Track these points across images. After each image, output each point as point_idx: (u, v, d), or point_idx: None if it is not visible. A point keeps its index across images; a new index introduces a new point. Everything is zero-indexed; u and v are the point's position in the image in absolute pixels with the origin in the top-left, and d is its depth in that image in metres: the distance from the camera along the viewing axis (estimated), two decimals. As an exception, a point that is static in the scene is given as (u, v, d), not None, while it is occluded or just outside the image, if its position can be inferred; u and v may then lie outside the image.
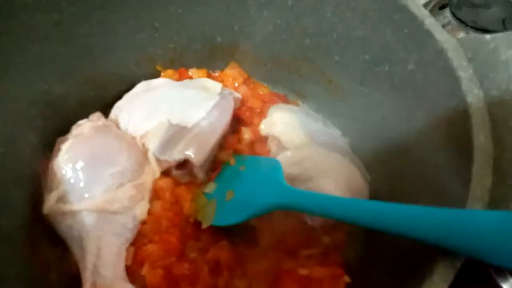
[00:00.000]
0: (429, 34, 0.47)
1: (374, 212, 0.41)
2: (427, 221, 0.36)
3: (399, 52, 0.53)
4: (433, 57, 0.47)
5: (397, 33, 0.52)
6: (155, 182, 0.61)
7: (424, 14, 0.48)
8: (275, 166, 0.57)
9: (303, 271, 0.56)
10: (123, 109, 0.68)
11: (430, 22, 0.47)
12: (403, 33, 0.51)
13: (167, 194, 0.61)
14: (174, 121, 0.63)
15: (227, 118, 0.66)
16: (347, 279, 0.56)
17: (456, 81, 0.43)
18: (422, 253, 0.40)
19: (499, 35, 0.41)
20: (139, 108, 0.67)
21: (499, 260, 0.33)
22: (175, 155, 0.60)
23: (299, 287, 0.55)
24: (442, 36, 0.46)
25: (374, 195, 0.62)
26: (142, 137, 0.64)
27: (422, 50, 0.49)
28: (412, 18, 0.49)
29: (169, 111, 0.64)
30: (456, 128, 0.43)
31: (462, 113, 0.42)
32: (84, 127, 0.61)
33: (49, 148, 0.60)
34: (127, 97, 0.70)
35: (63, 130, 0.63)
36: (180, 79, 0.75)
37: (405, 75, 0.53)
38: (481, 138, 0.39)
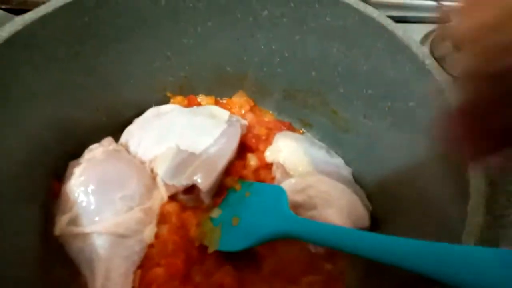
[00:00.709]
0: (429, 74, 0.50)
1: (375, 245, 0.43)
2: (425, 255, 0.38)
3: (401, 89, 0.56)
4: (432, 95, 0.50)
5: (399, 71, 0.55)
6: (162, 206, 0.63)
7: (424, 55, 0.51)
8: (280, 193, 0.59)
9: None
10: (134, 134, 0.70)
11: (430, 62, 0.50)
12: (405, 71, 0.54)
13: (174, 218, 0.63)
14: (183, 147, 0.66)
15: (234, 144, 0.68)
16: None
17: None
18: (421, 284, 0.42)
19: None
20: (149, 133, 0.69)
21: None
22: (183, 181, 0.62)
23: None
24: (441, 77, 0.49)
25: (375, 224, 0.64)
26: (151, 161, 0.67)
27: (423, 88, 0.51)
28: (413, 59, 0.52)
29: (178, 137, 0.67)
30: (455, 165, 0.45)
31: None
32: (96, 152, 0.63)
33: (61, 171, 0.63)
34: (137, 122, 0.73)
35: (75, 153, 0.65)
36: (189, 105, 0.78)
37: (406, 111, 0.55)
38: (476, 178, 0.41)
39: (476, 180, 0.41)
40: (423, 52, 0.51)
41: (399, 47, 0.54)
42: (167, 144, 0.66)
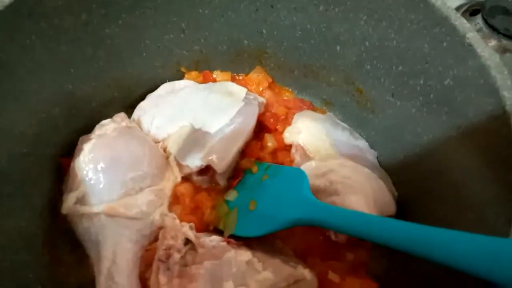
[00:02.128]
0: (470, 49, 0.45)
1: (403, 233, 0.39)
2: (464, 247, 0.34)
3: (436, 66, 0.51)
4: (474, 74, 0.45)
5: (435, 46, 0.50)
6: (175, 187, 0.60)
7: (466, 28, 0.45)
8: (301, 177, 0.55)
9: (333, 277, 0.55)
10: (146, 111, 0.67)
11: (472, 36, 0.45)
12: (442, 47, 0.49)
13: (187, 200, 0.60)
14: (197, 125, 0.62)
15: (251, 124, 0.64)
16: None
17: (498, 101, 0.41)
18: (451, 282, 0.38)
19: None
20: (163, 110, 0.66)
21: None
22: (197, 161, 0.59)
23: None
24: (485, 52, 0.43)
25: (401, 212, 0.60)
26: (164, 140, 0.63)
27: (462, 65, 0.46)
28: (453, 32, 0.47)
29: (193, 115, 0.64)
30: (498, 153, 0.41)
31: (505, 137, 0.39)
32: (107, 128, 0.60)
33: (70, 147, 0.60)
34: (151, 98, 0.70)
35: (86, 129, 0.62)
36: (204, 81, 0.74)
37: (442, 91, 0.51)
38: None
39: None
40: (463, 24, 0.46)
41: (436, 19, 0.48)
42: (181, 123, 0.63)
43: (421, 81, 0.53)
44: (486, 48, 0.44)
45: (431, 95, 0.52)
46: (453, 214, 0.48)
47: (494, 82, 0.42)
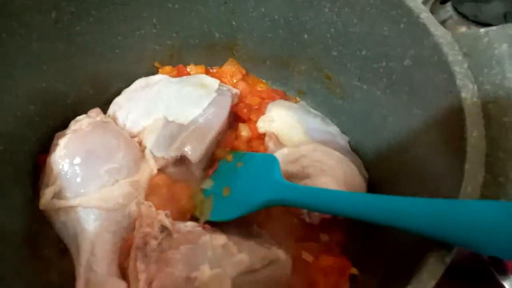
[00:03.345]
0: (424, 29, 0.47)
1: (370, 204, 0.41)
2: (421, 212, 0.37)
3: (396, 48, 0.52)
4: (429, 52, 0.46)
5: (394, 29, 0.52)
6: (151, 179, 0.61)
7: (420, 9, 0.47)
8: (272, 161, 0.56)
9: (307, 257, 0.57)
10: (121, 106, 0.68)
11: (425, 16, 0.47)
12: (399, 28, 0.51)
13: (164, 191, 0.61)
14: (171, 118, 0.63)
15: (224, 114, 0.66)
16: (354, 271, 0.56)
17: (451, 76, 0.43)
18: (416, 249, 0.40)
19: (493, 29, 0.41)
20: (137, 105, 0.67)
21: (492, 250, 0.33)
22: (172, 152, 0.60)
23: (302, 274, 0.55)
24: (438, 31, 0.45)
25: (372, 192, 0.61)
26: (139, 133, 0.64)
27: (418, 45, 0.48)
28: (409, 13, 0.49)
29: (167, 108, 0.65)
30: (451, 125, 0.42)
31: (457, 109, 0.41)
32: (82, 123, 0.61)
33: (47, 145, 0.60)
34: (125, 93, 0.70)
35: (62, 126, 0.63)
36: (178, 75, 0.75)
37: (402, 71, 0.52)
38: (474, 134, 0.38)
39: (474, 136, 0.38)
40: (418, 5, 0.48)
41: (393, 2, 0.50)
42: (155, 116, 0.64)
43: (383, 63, 0.55)
44: (438, 26, 0.46)
45: (393, 76, 0.54)
46: (418, 188, 0.50)
47: (446, 58, 0.43)
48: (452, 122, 0.42)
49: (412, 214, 0.37)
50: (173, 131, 0.62)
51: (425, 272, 0.34)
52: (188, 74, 0.76)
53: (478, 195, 0.36)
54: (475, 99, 0.40)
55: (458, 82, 0.41)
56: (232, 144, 0.68)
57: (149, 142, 0.62)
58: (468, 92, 0.41)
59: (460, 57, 0.43)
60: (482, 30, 0.42)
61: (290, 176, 0.59)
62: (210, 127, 0.63)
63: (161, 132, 0.62)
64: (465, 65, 0.42)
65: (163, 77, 0.72)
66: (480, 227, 0.33)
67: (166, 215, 0.53)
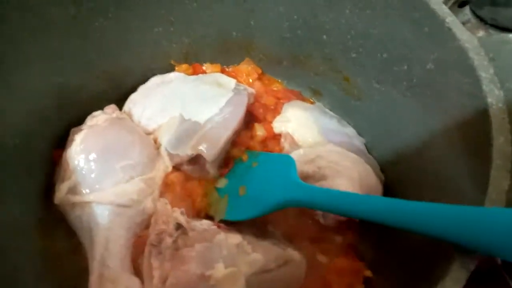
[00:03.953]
0: (450, 33, 0.46)
1: (389, 208, 0.41)
2: (443, 218, 0.36)
3: (418, 51, 0.52)
4: (453, 56, 0.46)
5: (416, 32, 0.51)
6: (166, 176, 0.61)
7: (445, 12, 0.47)
8: (288, 162, 0.56)
9: (321, 258, 0.56)
10: (137, 102, 0.68)
11: (451, 20, 0.46)
12: (423, 32, 0.50)
13: (178, 188, 0.61)
14: (187, 116, 0.63)
15: (240, 114, 0.65)
16: (368, 273, 0.56)
17: (476, 81, 0.42)
18: (435, 254, 0.39)
19: (522, 34, 0.40)
20: (153, 102, 0.67)
21: None
22: (188, 150, 0.60)
23: (316, 275, 0.55)
24: (464, 35, 0.45)
25: (388, 196, 0.60)
26: (154, 131, 0.64)
27: (442, 49, 0.48)
28: (433, 16, 0.48)
29: (182, 106, 0.65)
30: (475, 130, 0.42)
31: (482, 114, 0.41)
32: (98, 119, 0.61)
33: (62, 139, 0.61)
34: (141, 90, 0.71)
35: (77, 122, 0.63)
36: (194, 73, 0.75)
37: (424, 75, 0.52)
38: (501, 140, 0.38)
39: (500, 142, 0.37)
40: (442, 9, 0.48)
41: (416, 5, 0.50)
42: (171, 114, 0.64)
43: (405, 67, 0.55)
44: (464, 31, 0.45)
45: (414, 80, 0.54)
46: (437, 191, 0.50)
47: (472, 63, 0.43)
48: (476, 127, 0.41)
49: (434, 220, 0.37)
50: (189, 129, 0.62)
51: (449, 280, 0.34)
52: (204, 72, 0.76)
53: (504, 202, 0.36)
54: (500, 105, 0.40)
55: (484, 87, 0.41)
56: (247, 144, 0.67)
57: (164, 139, 0.62)
58: (494, 98, 0.40)
59: (486, 62, 0.42)
60: (510, 35, 0.41)
61: (305, 177, 0.59)
62: (226, 127, 0.63)
63: (177, 130, 0.62)
64: (491, 71, 0.42)
65: (179, 75, 0.72)
66: (505, 234, 0.32)
67: (181, 212, 0.53)
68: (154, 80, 0.72)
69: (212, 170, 0.63)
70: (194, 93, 0.66)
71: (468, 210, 0.35)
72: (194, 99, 0.66)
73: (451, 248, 0.36)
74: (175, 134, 0.62)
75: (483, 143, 0.39)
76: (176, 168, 0.62)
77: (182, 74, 0.73)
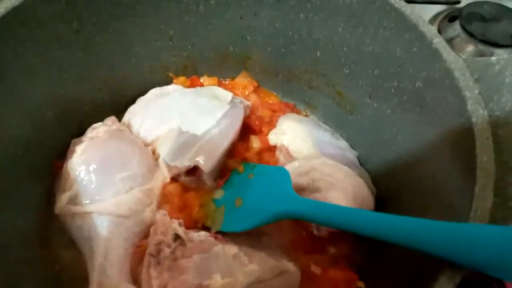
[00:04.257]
0: (437, 53, 0.48)
1: (381, 223, 0.43)
2: (432, 234, 0.38)
3: (408, 69, 0.54)
4: (441, 76, 0.48)
5: (406, 51, 0.53)
6: (164, 187, 0.62)
7: (433, 34, 0.49)
8: (284, 174, 0.58)
9: (315, 269, 0.58)
10: (136, 114, 0.70)
11: (438, 41, 0.49)
12: (412, 51, 0.52)
13: (176, 199, 0.62)
14: (185, 128, 0.65)
15: (237, 126, 0.67)
16: (361, 284, 0.57)
17: (462, 100, 0.44)
18: (426, 266, 0.41)
19: (505, 58, 0.42)
20: (152, 113, 0.68)
21: (500, 272, 0.34)
22: (185, 162, 0.62)
23: (310, 285, 0.56)
24: (450, 56, 0.47)
25: (380, 208, 0.63)
26: (153, 142, 0.66)
27: (430, 68, 0.50)
28: (421, 37, 0.50)
29: (180, 118, 0.66)
30: (462, 146, 0.44)
31: (467, 132, 0.43)
32: (98, 130, 0.63)
33: (63, 150, 0.62)
34: (140, 102, 0.72)
35: (78, 132, 0.64)
36: (191, 86, 0.77)
37: (413, 92, 0.54)
38: (484, 159, 0.40)
39: (484, 160, 0.40)
40: (431, 30, 0.50)
41: (407, 26, 0.52)
42: (169, 125, 0.66)
43: (395, 83, 0.57)
44: (451, 52, 0.47)
45: (404, 97, 0.56)
46: (426, 205, 0.51)
47: (457, 83, 0.45)
48: (462, 144, 0.43)
49: (422, 236, 0.39)
50: (187, 141, 0.64)
51: (435, 290, 0.35)
52: (202, 85, 0.77)
53: (487, 219, 0.37)
54: (485, 125, 0.42)
55: (469, 107, 0.43)
56: (243, 155, 0.69)
57: (162, 151, 0.63)
58: (479, 118, 0.42)
59: (471, 83, 0.44)
60: (494, 58, 0.43)
61: (299, 189, 0.61)
62: (224, 139, 0.65)
63: (175, 142, 0.63)
64: (476, 91, 0.44)
65: (177, 87, 0.74)
66: (488, 251, 0.34)
67: (179, 223, 0.55)
68: (153, 92, 0.73)
69: (209, 181, 0.65)
70: (192, 106, 0.68)
71: (453, 226, 0.37)
72: (192, 111, 0.67)
73: (442, 262, 0.38)
74: (173, 145, 0.63)
75: (469, 160, 0.41)
76: (174, 179, 0.64)
77: (180, 87, 0.74)
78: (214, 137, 0.65)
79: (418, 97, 0.53)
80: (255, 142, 0.70)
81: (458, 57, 0.46)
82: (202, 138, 0.64)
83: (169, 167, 0.63)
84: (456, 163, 0.46)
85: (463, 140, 0.43)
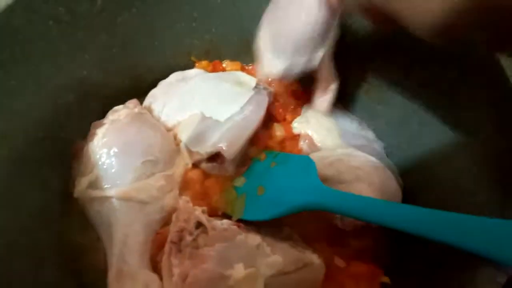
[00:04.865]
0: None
1: (413, 216, 0.41)
2: (465, 228, 0.36)
3: (445, 57, 0.51)
4: (479, 65, 0.45)
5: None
6: (185, 173, 0.61)
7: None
8: (309, 164, 0.56)
9: (338, 262, 0.56)
10: (157, 98, 0.68)
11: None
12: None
13: (197, 186, 0.61)
14: (208, 114, 0.63)
15: (261, 113, 0.65)
16: (386, 279, 0.55)
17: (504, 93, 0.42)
18: (458, 263, 0.39)
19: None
20: (173, 98, 0.67)
21: None
22: (207, 148, 0.60)
23: (333, 279, 0.55)
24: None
25: (405, 202, 0.60)
26: (174, 127, 0.65)
27: (468, 56, 0.47)
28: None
29: (203, 103, 0.64)
30: (494, 142, 0.42)
31: (502, 127, 0.40)
32: (120, 113, 0.61)
33: (84, 133, 0.61)
34: (162, 85, 0.71)
35: (99, 115, 0.63)
36: (214, 70, 0.75)
37: (447, 82, 0.51)
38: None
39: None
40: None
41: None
42: (191, 111, 0.64)
43: (427, 72, 0.54)
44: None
45: (437, 87, 0.53)
46: (452, 199, 0.50)
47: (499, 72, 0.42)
48: (496, 140, 0.41)
49: (457, 230, 0.37)
50: (209, 126, 0.62)
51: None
52: (224, 69, 0.76)
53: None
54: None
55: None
56: (265, 143, 0.67)
57: (184, 136, 0.62)
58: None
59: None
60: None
61: (324, 180, 0.58)
62: (247, 126, 0.63)
63: (198, 127, 0.62)
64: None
65: (199, 72, 0.72)
66: None
67: (202, 211, 0.54)
68: (175, 76, 0.72)
69: (230, 168, 0.63)
70: (215, 91, 0.66)
71: (490, 222, 0.35)
72: (215, 97, 0.65)
73: (476, 258, 0.36)
74: (195, 131, 0.62)
75: (500, 157, 0.39)
76: (195, 165, 0.62)
77: (202, 71, 0.73)
78: (238, 123, 0.63)
79: (451, 88, 0.51)
80: (279, 130, 0.68)
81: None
82: (225, 124, 0.62)
83: (190, 153, 0.61)
84: (484, 158, 0.44)
85: (497, 135, 0.41)
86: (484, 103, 0.45)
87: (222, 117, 0.63)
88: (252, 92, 0.66)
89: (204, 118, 0.63)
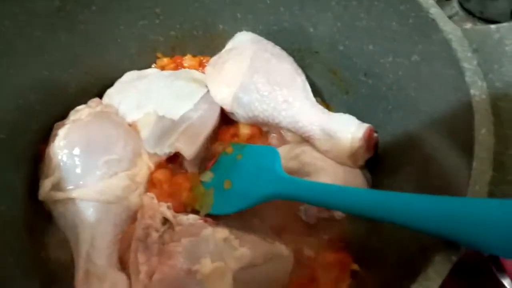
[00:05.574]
0: (434, 25, 0.46)
1: (373, 200, 0.40)
2: (427, 209, 0.36)
3: (404, 43, 0.52)
4: (438, 48, 0.46)
5: (402, 24, 0.51)
6: (151, 174, 0.60)
7: (429, 4, 0.47)
8: (272, 154, 0.56)
9: (308, 252, 0.56)
10: (113, 97, 0.67)
11: (435, 11, 0.46)
12: (408, 24, 0.50)
13: (164, 183, 0.60)
14: (161, 112, 0.62)
15: (217, 110, 0.65)
16: (355, 267, 0.55)
17: (460, 72, 0.42)
18: (422, 246, 0.39)
19: (504, 25, 0.40)
20: (128, 97, 0.65)
21: (499, 249, 0.32)
22: (166, 148, 0.60)
23: (303, 269, 0.55)
24: (447, 27, 0.45)
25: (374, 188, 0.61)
26: (131, 125, 0.63)
27: (427, 41, 0.47)
28: (417, 8, 0.48)
29: (157, 101, 0.63)
30: (460, 122, 0.42)
31: (465, 106, 0.41)
32: (82, 113, 0.60)
33: (48, 134, 0.60)
34: (117, 84, 0.69)
35: (63, 116, 0.62)
36: (176, 67, 0.74)
37: (410, 67, 0.52)
38: (483, 131, 0.38)
39: (483, 133, 0.37)
40: (427, 1, 0.47)
41: (402, -3, 0.49)
42: (145, 109, 0.63)
43: (390, 59, 0.54)
44: (448, 22, 0.45)
45: (400, 72, 0.54)
46: (421, 184, 0.49)
47: (455, 54, 0.43)
48: (460, 119, 0.41)
49: (417, 212, 0.36)
50: (166, 126, 0.61)
51: (432, 271, 0.34)
52: (182, 65, 0.75)
53: (486, 194, 0.36)
54: (484, 96, 0.40)
55: (467, 79, 0.41)
56: (231, 141, 0.66)
57: (142, 136, 0.61)
58: (477, 89, 0.40)
59: (469, 54, 0.42)
60: (493, 26, 0.41)
61: (289, 173, 0.58)
62: (205, 124, 0.63)
63: (154, 128, 0.61)
64: (475, 62, 0.42)
65: (154, 70, 0.72)
66: (486, 226, 0.32)
67: (168, 207, 0.53)
68: (130, 75, 0.71)
69: (190, 168, 0.63)
70: (169, 89, 0.65)
71: (449, 200, 0.35)
72: (169, 94, 0.64)
73: (439, 240, 0.36)
74: (152, 132, 0.61)
75: (467, 136, 0.39)
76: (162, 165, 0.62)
77: (157, 70, 0.72)
78: (195, 122, 0.62)
79: (414, 72, 0.51)
80: (244, 128, 0.67)
81: (456, 27, 0.44)
82: (182, 123, 0.61)
83: (149, 154, 0.61)
84: (453, 140, 0.44)
85: (460, 115, 0.41)
86: (448, 79, 0.45)
87: (176, 115, 0.61)
88: (206, 89, 0.65)
89: (160, 117, 0.61)
